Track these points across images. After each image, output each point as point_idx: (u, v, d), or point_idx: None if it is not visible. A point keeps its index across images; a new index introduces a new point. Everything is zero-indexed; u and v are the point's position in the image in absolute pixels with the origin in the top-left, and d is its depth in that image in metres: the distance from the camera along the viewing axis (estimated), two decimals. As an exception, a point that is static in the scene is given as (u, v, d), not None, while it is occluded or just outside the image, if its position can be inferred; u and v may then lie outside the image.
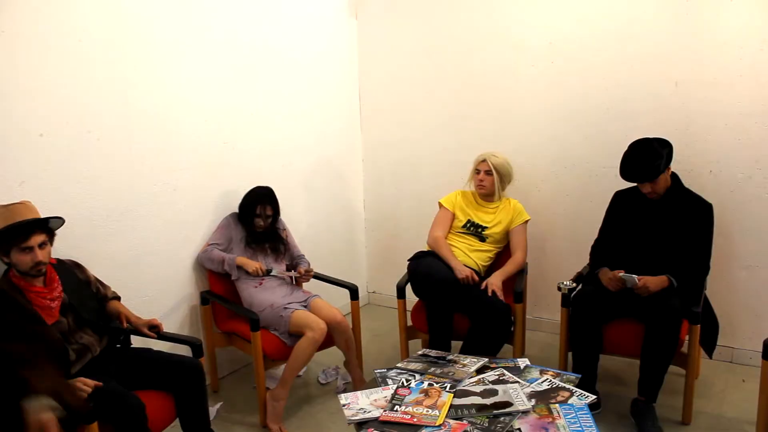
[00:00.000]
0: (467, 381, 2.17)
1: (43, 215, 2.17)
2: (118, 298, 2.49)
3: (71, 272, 2.33)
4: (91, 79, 2.55)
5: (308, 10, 3.74)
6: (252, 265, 2.93)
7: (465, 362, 2.34)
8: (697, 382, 2.88)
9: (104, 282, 2.45)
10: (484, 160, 3.17)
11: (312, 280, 3.15)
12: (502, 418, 1.89)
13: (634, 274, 2.66)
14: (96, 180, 2.60)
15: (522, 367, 2.29)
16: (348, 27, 4.10)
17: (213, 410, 2.88)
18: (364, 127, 4.28)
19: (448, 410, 1.95)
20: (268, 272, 2.96)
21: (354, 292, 3.14)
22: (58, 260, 2.31)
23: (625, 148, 2.76)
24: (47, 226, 2.15)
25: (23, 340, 1.83)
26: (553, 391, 2.08)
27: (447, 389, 2.09)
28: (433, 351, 2.56)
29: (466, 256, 3.11)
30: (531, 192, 3.65)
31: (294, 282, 3.09)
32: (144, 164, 2.80)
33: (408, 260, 3.19)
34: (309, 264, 3.20)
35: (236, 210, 3.11)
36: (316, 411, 2.96)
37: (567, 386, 2.11)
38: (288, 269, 3.11)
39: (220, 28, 3.14)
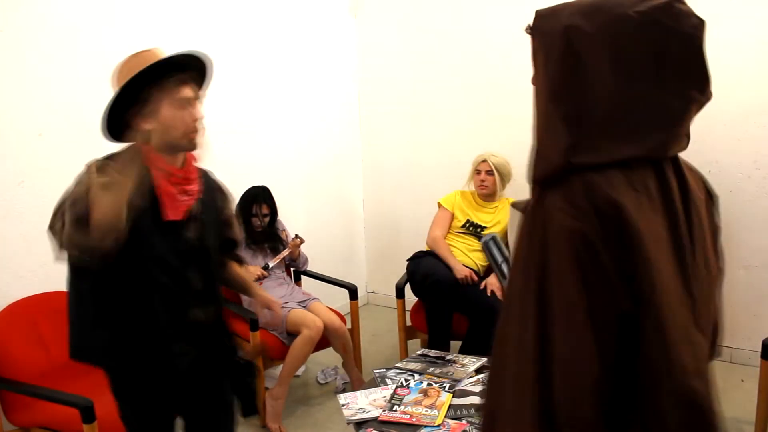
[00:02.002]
0: (466, 381, 2.17)
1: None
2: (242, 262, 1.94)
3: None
4: (91, 78, 2.54)
5: (308, 10, 3.74)
6: (251, 274, 2.93)
7: (464, 362, 2.34)
8: (696, 382, 2.88)
9: None
10: (484, 161, 3.17)
11: (311, 279, 3.15)
12: (501, 418, 1.89)
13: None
14: (95, 180, 2.60)
15: (521, 367, 2.28)
16: (348, 27, 4.10)
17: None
18: (363, 127, 4.27)
19: (447, 410, 1.95)
20: (266, 268, 2.97)
21: (353, 292, 3.14)
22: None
23: (625, 148, 2.76)
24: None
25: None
26: (552, 391, 2.08)
27: (446, 389, 2.09)
28: (432, 351, 2.55)
29: (466, 256, 3.11)
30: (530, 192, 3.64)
31: (293, 278, 3.09)
32: (143, 164, 2.80)
33: (407, 260, 3.19)
34: (307, 260, 3.21)
35: (234, 212, 3.12)
36: (315, 411, 2.96)
37: (566, 386, 2.11)
38: (286, 267, 3.12)
39: (220, 28, 3.14)
